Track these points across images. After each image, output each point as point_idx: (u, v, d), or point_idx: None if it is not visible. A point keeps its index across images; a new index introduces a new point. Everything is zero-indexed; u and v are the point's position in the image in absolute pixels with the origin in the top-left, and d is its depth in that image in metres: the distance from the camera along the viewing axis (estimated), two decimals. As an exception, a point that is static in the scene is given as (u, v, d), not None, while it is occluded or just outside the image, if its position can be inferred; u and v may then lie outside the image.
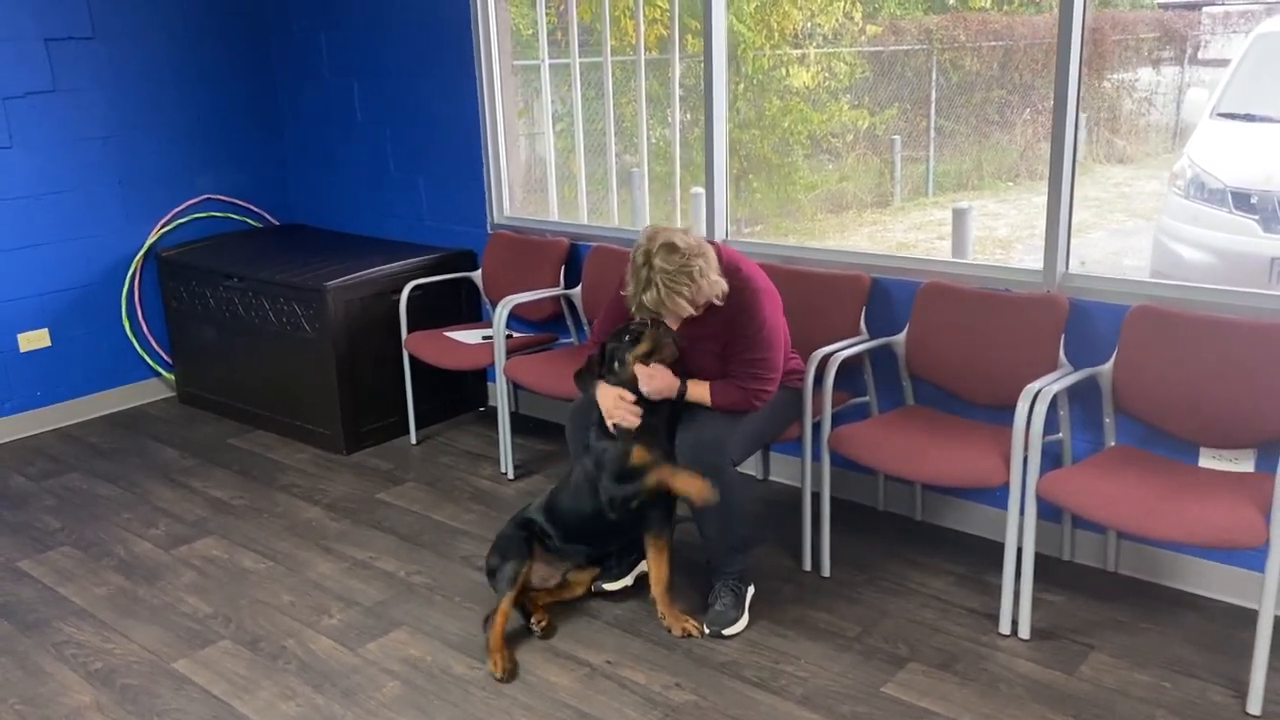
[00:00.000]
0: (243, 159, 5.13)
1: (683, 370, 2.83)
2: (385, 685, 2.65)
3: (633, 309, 2.78)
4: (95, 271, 4.70)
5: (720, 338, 2.82)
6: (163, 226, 4.87)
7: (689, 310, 2.73)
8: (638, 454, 2.75)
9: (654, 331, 2.80)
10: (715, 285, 2.73)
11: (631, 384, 2.79)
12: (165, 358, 4.95)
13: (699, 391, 2.81)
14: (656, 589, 2.87)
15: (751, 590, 2.93)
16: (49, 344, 4.59)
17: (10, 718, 2.58)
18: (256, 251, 4.73)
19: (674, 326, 2.84)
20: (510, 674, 2.66)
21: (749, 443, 2.93)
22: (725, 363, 2.83)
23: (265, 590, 3.16)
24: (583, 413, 2.92)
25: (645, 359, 2.78)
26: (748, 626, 2.85)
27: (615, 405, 2.77)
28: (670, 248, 2.67)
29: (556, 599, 2.95)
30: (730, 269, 2.80)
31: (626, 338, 2.83)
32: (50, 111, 4.44)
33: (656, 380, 2.78)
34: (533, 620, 2.85)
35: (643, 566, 3.08)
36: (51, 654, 2.86)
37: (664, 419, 2.81)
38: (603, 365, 2.86)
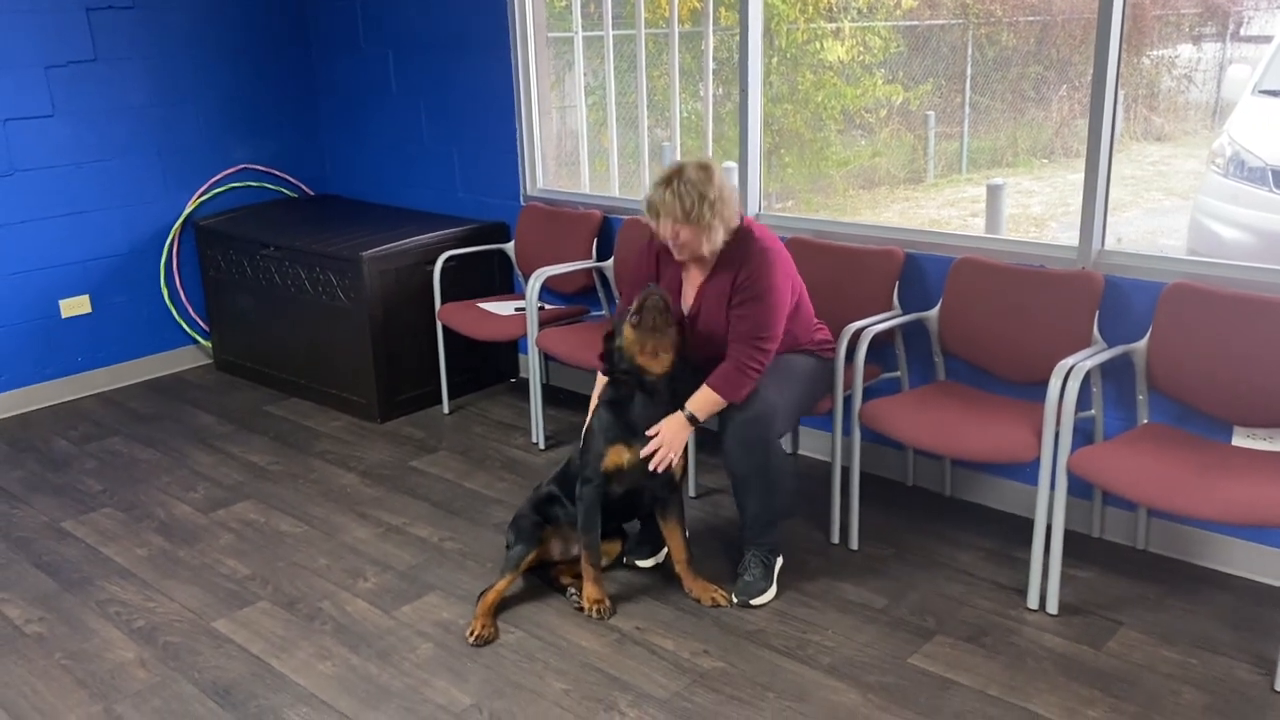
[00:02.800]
0: (279, 129, 5.18)
1: (683, 342, 2.81)
2: (419, 647, 2.71)
3: (644, 205, 2.82)
4: (135, 239, 4.77)
5: (729, 297, 2.82)
6: (200, 195, 4.93)
7: (679, 224, 2.73)
8: (613, 455, 2.78)
9: (649, 301, 2.73)
10: (713, 233, 2.76)
11: (637, 373, 2.77)
12: (203, 325, 5.03)
13: (701, 403, 2.77)
14: (678, 566, 2.92)
15: (780, 561, 2.96)
16: (90, 310, 4.67)
17: (57, 672, 2.66)
18: (292, 221, 4.78)
19: (663, 236, 2.80)
20: (484, 641, 2.71)
21: (792, 414, 2.95)
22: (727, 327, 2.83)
23: (301, 553, 3.22)
24: None
25: (636, 324, 2.73)
26: (775, 597, 2.88)
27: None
28: (706, 169, 2.75)
29: (576, 571, 2.98)
30: (745, 230, 2.83)
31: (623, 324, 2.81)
32: (91, 80, 4.50)
33: (668, 437, 2.75)
34: (569, 592, 2.89)
35: (655, 559, 3.11)
36: (95, 611, 2.94)
37: (663, 406, 2.80)
38: (607, 360, 2.85)
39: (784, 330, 2.84)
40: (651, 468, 2.75)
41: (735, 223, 2.82)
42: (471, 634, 2.72)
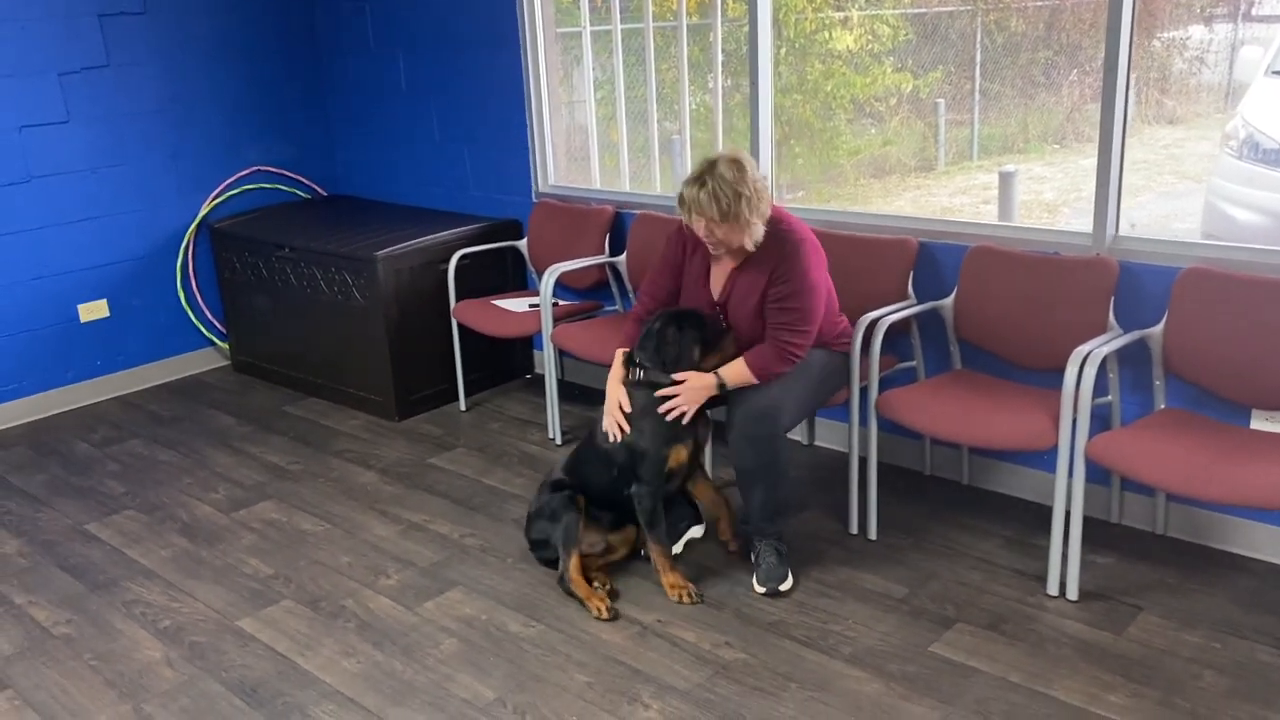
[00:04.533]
0: (291, 131, 5.21)
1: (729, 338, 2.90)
2: (443, 643, 2.73)
3: (677, 201, 2.83)
4: (150, 243, 4.80)
5: (763, 290, 2.83)
6: (214, 198, 4.96)
7: (715, 223, 2.74)
8: (675, 456, 2.84)
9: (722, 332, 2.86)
10: (752, 229, 2.76)
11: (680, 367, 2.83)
12: (220, 327, 5.06)
13: (734, 374, 2.82)
14: (722, 520, 3.08)
15: (786, 549, 2.97)
16: (108, 314, 4.71)
17: (85, 672, 2.69)
18: (306, 222, 4.81)
19: (700, 234, 2.82)
20: (613, 610, 2.77)
21: (800, 409, 2.96)
22: (761, 318, 2.85)
23: (323, 552, 3.25)
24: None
25: (704, 356, 2.84)
26: (794, 585, 2.89)
27: (613, 409, 2.87)
28: (739, 165, 2.74)
29: (605, 563, 3.01)
30: (776, 219, 2.84)
31: (687, 330, 2.85)
32: (104, 86, 4.53)
33: (689, 393, 2.80)
34: (595, 584, 2.91)
35: (692, 533, 3.14)
36: (122, 612, 2.97)
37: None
38: (656, 351, 2.87)
39: (824, 313, 2.88)
40: (661, 410, 2.79)
41: (769, 213, 2.83)
42: (599, 613, 2.76)
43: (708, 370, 2.83)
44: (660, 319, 2.89)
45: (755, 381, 2.80)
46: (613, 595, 2.89)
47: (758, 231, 2.78)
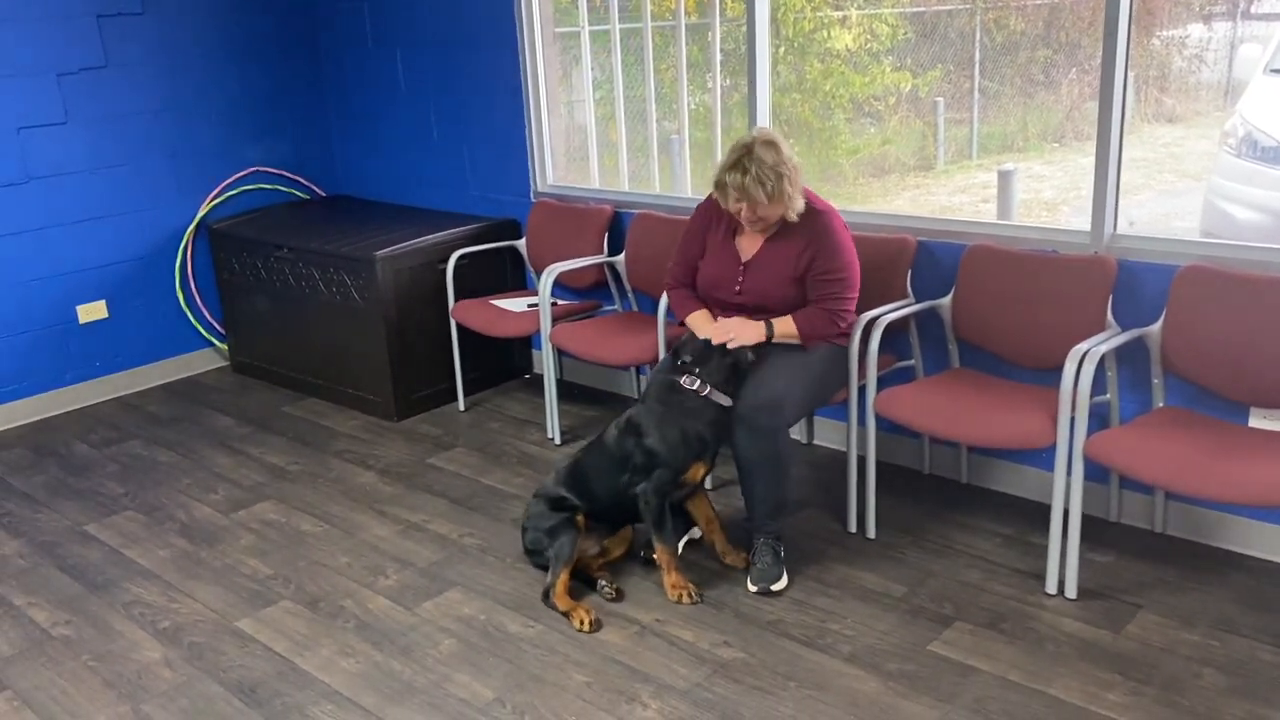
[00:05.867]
0: (290, 131, 5.20)
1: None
2: (441, 643, 2.73)
3: (714, 187, 2.90)
4: (149, 244, 4.80)
5: (796, 261, 2.91)
6: (213, 199, 4.96)
7: (760, 205, 2.82)
8: (693, 471, 2.85)
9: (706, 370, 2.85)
10: (794, 201, 2.86)
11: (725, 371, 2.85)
12: (218, 328, 5.06)
13: (784, 328, 2.91)
14: (714, 534, 3.06)
15: (783, 549, 2.97)
16: (106, 315, 4.71)
17: (85, 674, 2.69)
18: (305, 222, 4.81)
19: (742, 219, 2.90)
20: (596, 622, 2.75)
21: (804, 404, 2.97)
22: (800, 287, 2.93)
23: (322, 552, 3.25)
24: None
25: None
26: (789, 584, 2.89)
27: (729, 327, 2.91)
28: (774, 146, 2.83)
29: (603, 563, 3.01)
30: (809, 196, 2.93)
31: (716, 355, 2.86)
32: (103, 87, 4.53)
33: (741, 332, 2.87)
34: (600, 583, 2.91)
35: (692, 534, 3.14)
36: (121, 613, 2.97)
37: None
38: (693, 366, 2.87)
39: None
40: (716, 340, 2.84)
41: (801, 188, 2.90)
42: (582, 627, 2.74)
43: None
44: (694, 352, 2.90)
45: (799, 340, 2.91)
46: (619, 596, 2.88)
47: (799, 203, 2.88)
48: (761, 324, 2.91)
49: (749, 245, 3.00)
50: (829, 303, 2.92)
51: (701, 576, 2.96)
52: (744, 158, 2.80)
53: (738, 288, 2.99)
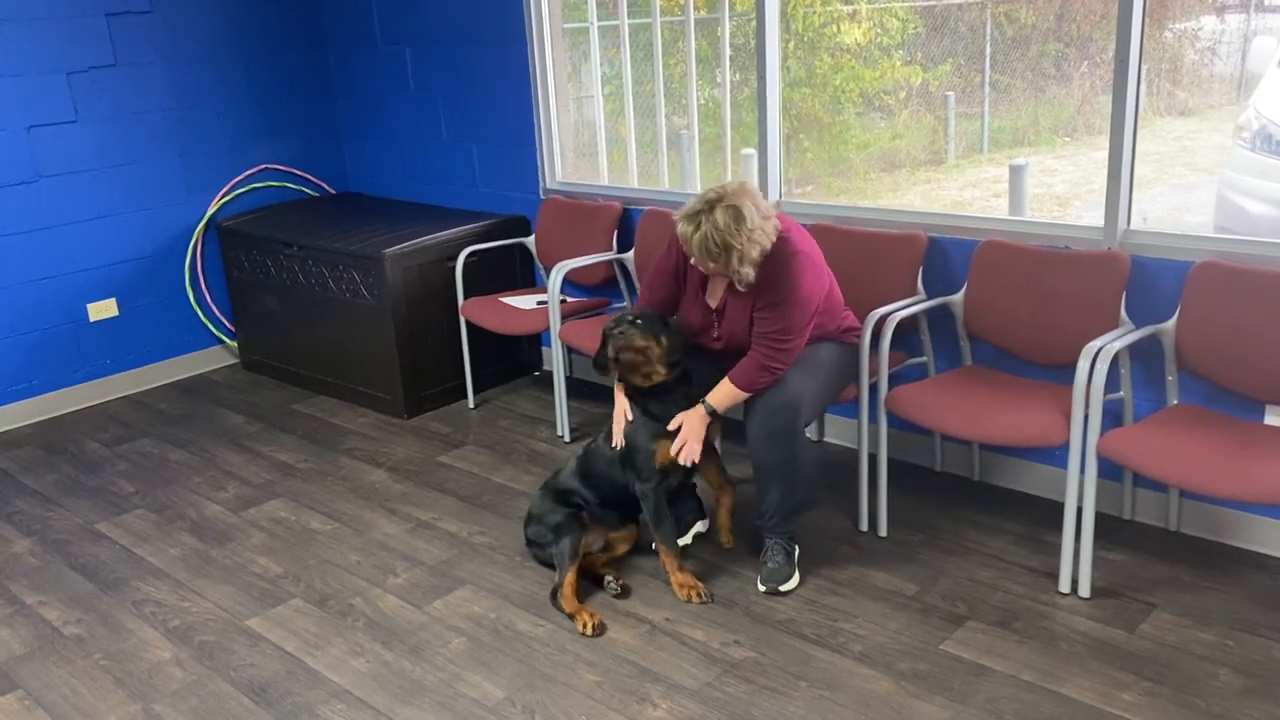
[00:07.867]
0: (299, 129, 5.20)
1: (676, 343, 2.89)
2: (451, 641, 2.73)
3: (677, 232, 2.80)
4: (159, 242, 4.81)
5: (752, 305, 2.82)
6: (223, 197, 4.96)
7: (702, 260, 2.73)
8: (662, 453, 2.84)
9: (622, 357, 2.82)
10: (742, 273, 2.72)
11: (639, 390, 2.87)
12: (228, 326, 5.07)
13: (721, 397, 2.81)
14: (722, 511, 3.08)
15: (797, 549, 2.96)
16: (117, 313, 4.71)
17: (96, 672, 2.70)
18: (315, 220, 4.80)
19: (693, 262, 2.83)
20: (600, 626, 2.73)
21: (818, 404, 2.95)
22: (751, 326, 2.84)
23: (332, 551, 3.25)
24: None
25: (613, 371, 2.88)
26: (800, 584, 2.88)
27: (618, 419, 2.91)
28: (736, 214, 2.65)
29: (609, 559, 3.00)
30: (787, 235, 2.79)
31: (618, 329, 2.86)
32: (112, 85, 4.53)
33: (689, 431, 2.81)
34: (606, 580, 2.90)
35: (698, 527, 3.13)
36: (131, 611, 2.97)
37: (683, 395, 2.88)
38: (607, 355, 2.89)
39: (812, 324, 2.83)
40: (680, 462, 2.81)
41: (770, 243, 2.74)
42: (585, 630, 2.71)
43: (657, 381, 2.87)
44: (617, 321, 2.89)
45: (745, 396, 2.80)
46: (624, 592, 2.88)
47: (748, 275, 2.73)
48: (701, 409, 2.81)
49: (716, 290, 2.91)
50: (765, 346, 2.75)
51: (712, 574, 2.95)
52: (702, 212, 2.67)
53: (715, 334, 2.93)
